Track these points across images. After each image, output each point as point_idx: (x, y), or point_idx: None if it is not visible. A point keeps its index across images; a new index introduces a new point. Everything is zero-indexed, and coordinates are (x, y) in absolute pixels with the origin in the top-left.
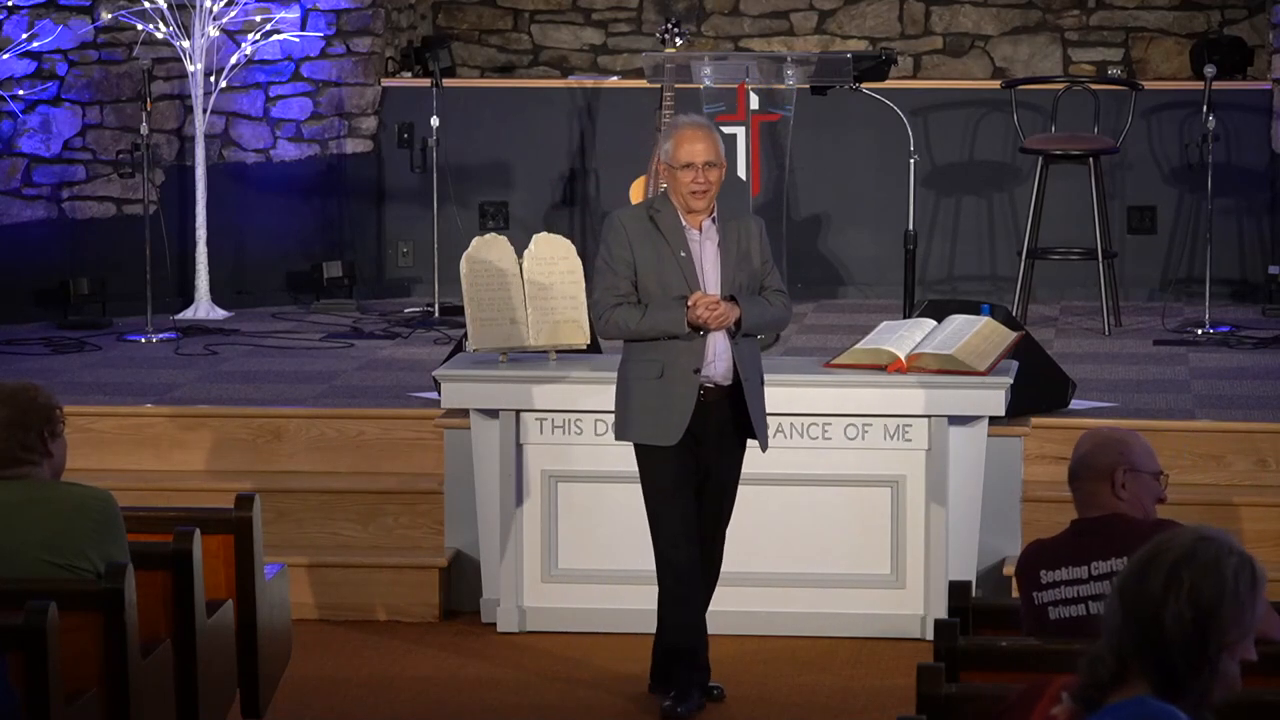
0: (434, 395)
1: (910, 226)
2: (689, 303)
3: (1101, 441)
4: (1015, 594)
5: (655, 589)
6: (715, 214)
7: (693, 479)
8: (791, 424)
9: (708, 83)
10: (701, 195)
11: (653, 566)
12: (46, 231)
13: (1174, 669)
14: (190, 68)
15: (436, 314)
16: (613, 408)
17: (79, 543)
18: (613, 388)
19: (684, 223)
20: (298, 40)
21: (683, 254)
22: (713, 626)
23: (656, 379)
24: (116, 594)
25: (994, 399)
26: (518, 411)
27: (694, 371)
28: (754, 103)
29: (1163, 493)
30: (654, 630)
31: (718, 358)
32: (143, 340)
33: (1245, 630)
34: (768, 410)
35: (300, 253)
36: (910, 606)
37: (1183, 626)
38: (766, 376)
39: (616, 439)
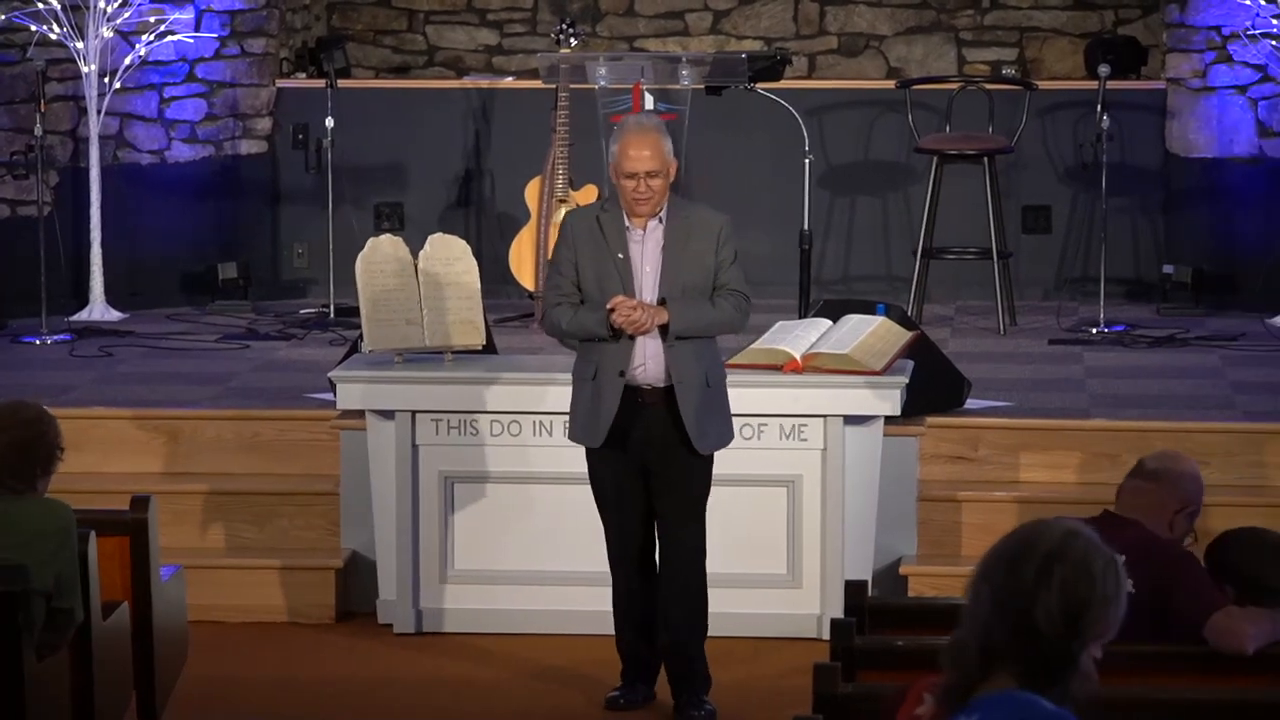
0: (330, 396)
1: (805, 226)
2: (608, 306)
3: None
4: None
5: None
6: (665, 212)
7: (636, 487)
8: None
9: (603, 83)
10: (644, 202)
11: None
12: None
13: (1045, 661)
14: (84, 69)
15: (332, 315)
16: (508, 408)
17: (36, 564)
18: (507, 389)
19: (628, 223)
20: (192, 41)
21: (620, 256)
22: (607, 626)
23: (591, 380)
24: (9, 597)
25: (889, 398)
26: (413, 412)
27: (619, 374)
28: (649, 103)
29: (1185, 540)
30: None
31: (648, 360)
32: (37, 342)
33: (1109, 628)
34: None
35: (195, 254)
36: (806, 606)
37: (1052, 620)
38: None
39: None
